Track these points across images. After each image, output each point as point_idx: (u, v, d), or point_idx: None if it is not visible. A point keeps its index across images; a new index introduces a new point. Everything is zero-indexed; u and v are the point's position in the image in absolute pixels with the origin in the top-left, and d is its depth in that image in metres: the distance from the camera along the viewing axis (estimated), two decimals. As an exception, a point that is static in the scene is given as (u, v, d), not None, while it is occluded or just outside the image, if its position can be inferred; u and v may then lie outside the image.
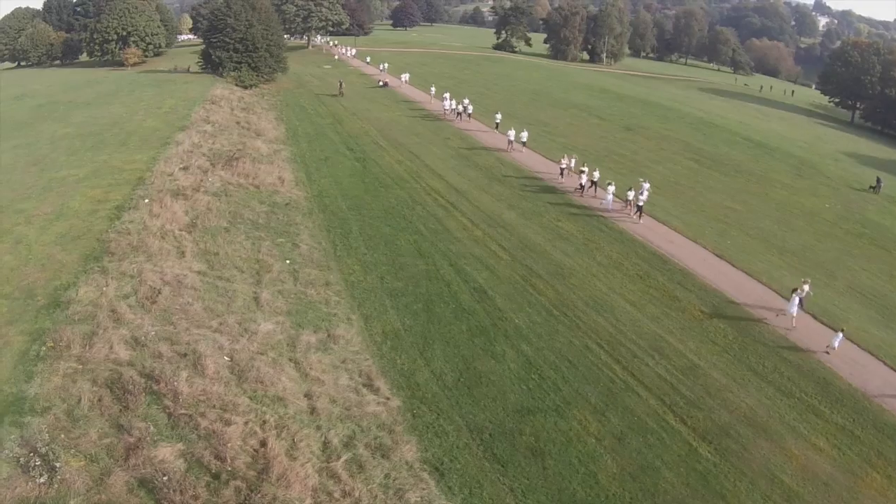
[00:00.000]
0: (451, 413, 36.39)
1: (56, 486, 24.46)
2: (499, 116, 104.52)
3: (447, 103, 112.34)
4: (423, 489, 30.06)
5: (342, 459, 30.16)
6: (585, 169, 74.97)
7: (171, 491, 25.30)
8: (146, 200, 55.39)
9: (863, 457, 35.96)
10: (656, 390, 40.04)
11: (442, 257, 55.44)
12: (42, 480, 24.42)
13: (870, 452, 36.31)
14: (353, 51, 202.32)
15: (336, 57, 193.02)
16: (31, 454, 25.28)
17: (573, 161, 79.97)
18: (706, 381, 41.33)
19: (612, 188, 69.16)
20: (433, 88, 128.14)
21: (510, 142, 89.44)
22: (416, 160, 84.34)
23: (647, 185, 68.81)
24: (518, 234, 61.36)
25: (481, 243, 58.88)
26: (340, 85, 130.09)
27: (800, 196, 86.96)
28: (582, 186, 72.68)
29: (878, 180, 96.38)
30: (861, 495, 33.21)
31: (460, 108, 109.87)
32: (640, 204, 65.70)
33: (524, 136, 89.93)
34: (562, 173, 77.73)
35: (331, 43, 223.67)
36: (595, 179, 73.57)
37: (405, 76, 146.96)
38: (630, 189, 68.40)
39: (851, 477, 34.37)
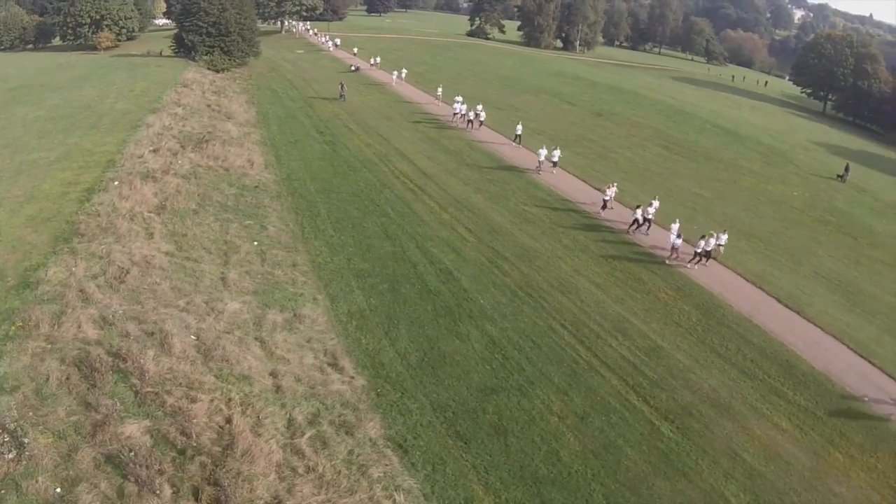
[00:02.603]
0: (415, 392, 36.78)
1: (24, 462, 24.64)
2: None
3: (458, 107, 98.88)
4: (387, 465, 30.39)
5: (306, 436, 30.47)
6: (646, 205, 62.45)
7: (137, 466, 25.49)
8: (116, 183, 55.42)
9: (825, 437, 36.63)
10: (619, 371, 40.55)
11: (409, 239, 55.76)
12: (11, 456, 24.52)
13: (832, 433, 36.98)
14: (336, 41, 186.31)
15: (331, 46, 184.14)
16: (0, 432, 25.51)
17: (614, 190, 66.51)
18: (669, 362, 41.91)
19: (676, 227, 56.21)
20: (440, 89, 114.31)
21: (540, 161, 76.73)
22: (386, 143, 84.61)
23: (724, 236, 57.28)
24: (485, 218, 61.82)
25: (448, 226, 59.32)
26: (342, 87, 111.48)
27: (768, 184, 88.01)
28: (638, 223, 60.54)
29: (847, 168, 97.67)
30: (823, 474, 33.85)
31: (472, 114, 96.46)
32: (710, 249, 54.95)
33: (556, 154, 77.36)
34: (605, 205, 64.85)
35: (310, 31, 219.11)
36: (649, 216, 60.77)
37: (376, 59, 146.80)
38: (703, 237, 55.29)
39: (814, 457, 35.01)
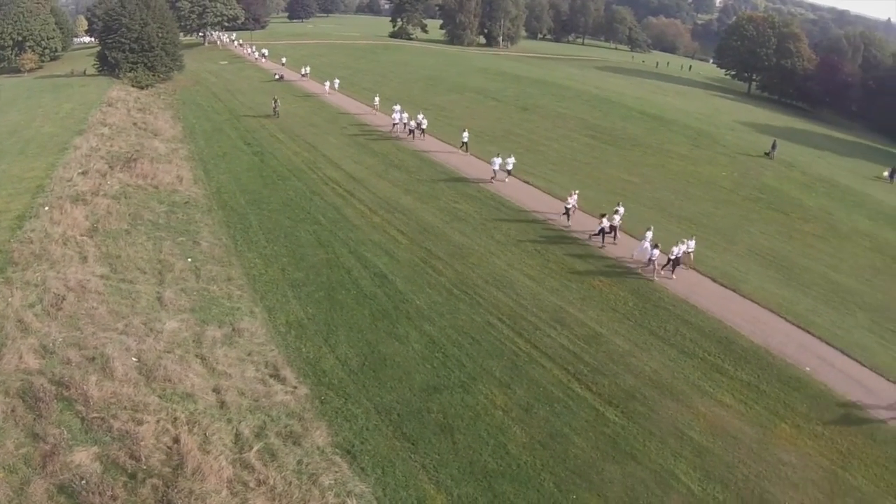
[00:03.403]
0: (359, 396, 37.09)
1: (-24, 499, 24.76)
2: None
3: (397, 116, 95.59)
4: (337, 472, 30.78)
5: (254, 450, 30.78)
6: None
7: (89, 494, 25.87)
8: (46, 208, 55.17)
9: (770, 409, 37.62)
10: (560, 360, 41.21)
11: (342, 245, 55.98)
12: (-38, 494, 24.76)
13: (776, 405, 37.99)
14: (265, 51, 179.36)
15: (257, 57, 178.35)
16: (-51, 468, 25.64)
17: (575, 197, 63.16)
18: (609, 347, 42.67)
19: (650, 234, 54.62)
20: (377, 99, 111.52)
21: (495, 171, 73.73)
22: (314, 150, 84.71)
23: (692, 242, 54.97)
24: (416, 218, 62.23)
25: (380, 229, 59.57)
26: (275, 103, 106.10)
27: (697, 166, 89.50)
28: (605, 232, 57.63)
29: (774, 145, 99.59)
30: (771, 445, 34.82)
31: (413, 123, 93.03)
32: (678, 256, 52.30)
33: (511, 162, 74.22)
34: (568, 214, 61.91)
35: (236, 42, 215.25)
36: (615, 223, 58.62)
37: (306, 69, 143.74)
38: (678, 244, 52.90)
39: (760, 429, 35.97)
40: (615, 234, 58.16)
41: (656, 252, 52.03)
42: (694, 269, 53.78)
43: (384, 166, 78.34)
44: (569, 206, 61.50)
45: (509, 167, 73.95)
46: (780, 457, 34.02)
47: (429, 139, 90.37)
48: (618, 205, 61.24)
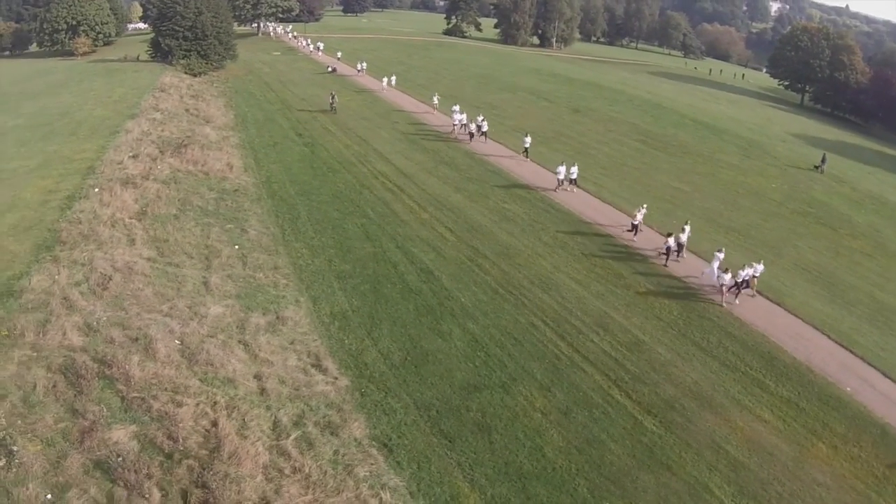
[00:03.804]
0: (399, 391, 37.04)
1: (14, 469, 24.91)
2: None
3: (457, 117, 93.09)
4: (372, 464, 30.66)
5: (292, 437, 30.75)
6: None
7: (125, 471, 25.84)
8: (96, 190, 55.63)
9: (808, 428, 36.93)
10: (601, 366, 40.82)
11: (389, 240, 55.97)
12: (0, 464, 24.91)
13: (814, 424, 37.28)
14: (320, 44, 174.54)
15: (312, 49, 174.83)
16: (-11, 440, 25.78)
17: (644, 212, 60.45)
18: (651, 356, 42.19)
19: (721, 255, 51.90)
20: (436, 97, 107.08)
21: (560, 180, 70.33)
22: (365, 144, 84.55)
23: (760, 267, 51.86)
24: (464, 216, 62.00)
25: (428, 226, 59.51)
26: (332, 98, 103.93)
27: (747, 176, 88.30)
28: (671, 251, 55.23)
29: (823, 158, 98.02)
30: (807, 464, 34.17)
31: (473, 125, 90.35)
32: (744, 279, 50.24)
33: (575, 171, 71.12)
34: (635, 230, 59.24)
35: (290, 34, 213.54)
36: (683, 241, 56.49)
37: (362, 64, 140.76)
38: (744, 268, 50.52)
39: (797, 447, 35.34)
40: (681, 251, 56.27)
41: (727, 277, 49.14)
42: (759, 293, 51.59)
43: (434, 163, 78.25)
44: (636, 222, 59.23)
45: (573, 176, 71.09)
46: (815, 477, 33.49)
47: (488, 142, 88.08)
48: (685, 223, 58.59)
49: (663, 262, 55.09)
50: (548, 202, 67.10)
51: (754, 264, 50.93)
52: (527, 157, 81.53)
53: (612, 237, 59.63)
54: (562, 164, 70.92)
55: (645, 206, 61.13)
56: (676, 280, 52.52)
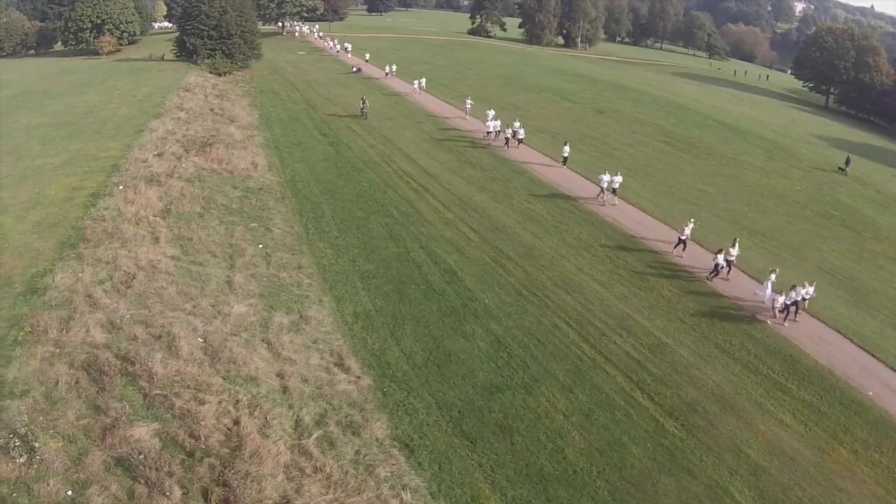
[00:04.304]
0: (421, 391, 37.07)
1: (36, 465, 25.02)
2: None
3: (491, 124, 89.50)
4: (394, 465, 30.71)
5: (313, 437, 30.78)
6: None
7: (146, 468, 25.90)
8: (121, 187, 55.74)
9: (829, 432, 36.69)
10: (624, 368, 40.72)
11: (413, 240, 55.95)
12: (22, 461, 24.96)
13: (836, 428, 37.04)
14: (347, 45, 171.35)
15: (339, 50, 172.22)
16: (11, 436, 25.82)
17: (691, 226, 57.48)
18: (673, 358, 42.04)
19: (773, 277, 49.48)
20: (469, 102, 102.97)
21: (602, 188, 67.40)
22: (389, 144, 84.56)
23: (811, 288, 49.28)
24: (488, 217, 61.83)
25: (452, 226, 59.43)
26: (363, 103, 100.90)
27: (771, 178, 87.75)
28: (719, 268, 52.83)
29: (847, 161, 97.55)
30: (827, 469, 33.96)
31: (509, 131, 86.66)
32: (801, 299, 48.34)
33: (618, 181, 67.61)
34: (684, 244, 56.74)
35: (316, 34, 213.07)
36: (732, 258, 53.70)
37: (391, 67, 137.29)
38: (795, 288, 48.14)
39: (818, 452, 35.14)
40: (730, 269, 53.43)
41: (781, 299, 47.31)
42: (807, 312, 49.14)
43: (458, 163, 78.25)
44: (683, 237, 56.44)
45: (616, 185, 67.60)
46: (836, 482, 33.29)
47: (545, 161, 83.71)
48: (735, 240, 54.94)
49: (709, 277, 52.98)
50: (571, 203, 67.08)
51: (806, 285, 48.64)
52: (564, 164, 79.59)
53: (635, 237, 59.46)
54: (604, 173, 68.03)
55: (693, 220, 58.56)
56: (700, 282, 52.38)
